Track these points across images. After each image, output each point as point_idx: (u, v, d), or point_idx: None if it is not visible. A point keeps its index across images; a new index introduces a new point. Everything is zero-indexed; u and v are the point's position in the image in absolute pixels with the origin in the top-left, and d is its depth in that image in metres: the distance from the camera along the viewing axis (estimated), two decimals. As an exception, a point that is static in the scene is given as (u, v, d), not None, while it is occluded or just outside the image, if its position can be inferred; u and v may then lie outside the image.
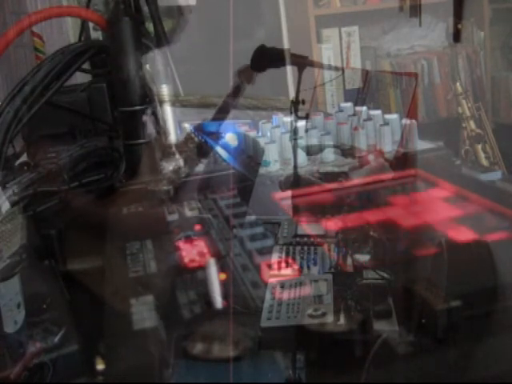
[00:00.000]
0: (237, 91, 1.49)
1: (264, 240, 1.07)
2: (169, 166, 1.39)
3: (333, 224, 1.08)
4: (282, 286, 0.88)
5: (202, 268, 1.00)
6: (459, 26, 1.64)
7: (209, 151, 1.50)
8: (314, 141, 1.39)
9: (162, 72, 1.39)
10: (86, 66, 1.38)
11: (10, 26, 1.57)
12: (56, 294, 0.93)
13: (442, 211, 1.11)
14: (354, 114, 1.50)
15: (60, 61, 1.22)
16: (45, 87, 1.19)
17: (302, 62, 1.37)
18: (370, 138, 1.41)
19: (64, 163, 1.23)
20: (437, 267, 0.79)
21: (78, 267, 1.03)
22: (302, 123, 1.37)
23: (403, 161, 1.35)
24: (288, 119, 1.44)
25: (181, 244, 1.08)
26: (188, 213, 1.23)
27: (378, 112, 1.48)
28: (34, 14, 1.39)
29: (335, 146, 1.40)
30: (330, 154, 1.38)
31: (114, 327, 0.85)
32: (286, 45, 2.95)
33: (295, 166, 1.30)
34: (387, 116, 1.46)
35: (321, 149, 1.38)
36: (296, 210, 1.21)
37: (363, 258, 0.94)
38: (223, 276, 0.98)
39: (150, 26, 1.47)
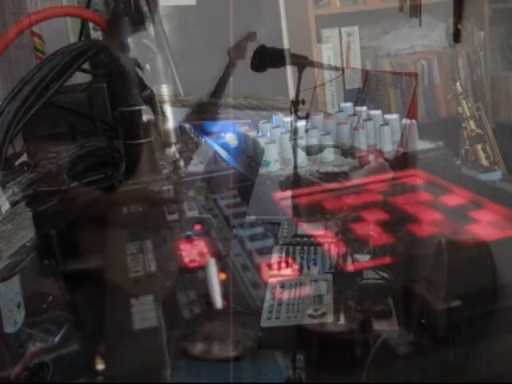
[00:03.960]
0: (231, 69, 1.50)
1: (264, 240, 1.07)
2: (169, 166, 1.39)
3: (333, 224, 1.08)
4: (282, 286, 0.88)
5: (202, 268, 1.00)
6: (459, 26, 1.64)
7: (209, 151, 1.50)
8: (314, 141, 1.39)
9: (162, 72, 1.39)
10: (86, 66, 1.38)
11: (9, 26, 1.57)
12: (56, 294, 0.93)
13: (441, 211, 1.11)
14: (354, 114, 1.50)
15: (60, 61, 1.22)
16: (45, 87, 1.19)
17: (302, 62, 1.37)
18: (370, 137, 1.41)
19: (64, 163, 1.23)
20: (437, 267, 0.79)
21: (78, 267, 1.03)
22: (301, 123, 1.37)
23: (403, 161, 1.35)
24: (288, 119, 1.44)
25: (181, 244, 1.08)
26: (188, 213, 1.23)
27: (377, 112, 1.48)
28: (34, 14, 1.39)
29: (335, 146, 1.40)
30: (330, 154, 1.38)
31: (115, 327, 0.85)
32: (286, 45, 2.95)
33: (295, 166, 1.30)
34: (387, 116, 1.46)
35: (321, 149, 1.38)
36: (296, 210, 1.21)
37: (363, 257, 0.94)
38: (223, 276, 0.98)
39: (149, 26, 1.47)
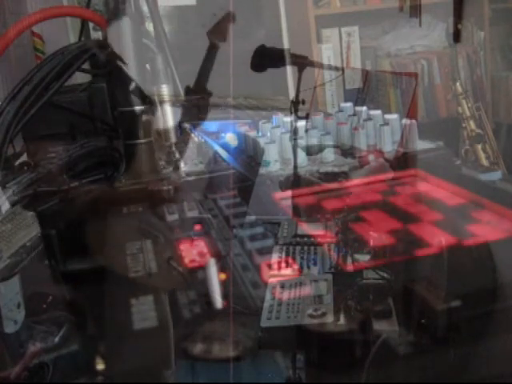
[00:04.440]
0: (213, 52, 1.50)
1: (264, 240, 1.07)
2: (169, 166, 1.39)
3: (333, 223, 1.08)
4: (282, 286, 0.88)
5: (202, 268, 1.00)
6: (459, 26, 1.64)
7: (209, 151, 1.50)
8: (314, 141, 1.39)
9: (162, 72, 1.39)
10: (85, 66, 1.38)
11: (9, 26, 1.57)
12: (56, 294, 0.93)
13: (441, 211, 1.11)
14: (354, 114, 1.50)
15: (60, 61, 1.22)
16: (45, 87, 1.19)
17: (302, 62, 1.37)
18: (370, 138, 1.41)
19: (64, 163, 1.23)
20: (437, 267, 0.79)
21: (79, 267, 1.03)
22: (301, 123, 1.37)
23: (403, 161, 1.35)
24: (288, 119, 1.44)
25: (181, 244, 1.08)
26: (188, 213, 1.23)
27: (377, 112, 1.48)
28: (34, 14, 1.39)
29: (335, 146, 1.40)
30: (330, 154, 1.38)
31: (114, 327, 0.85)
32: (286, 45, 2.95)
33: (295, 166, 1.30)
34: (387, 116, 1.46)
35: (321, 149, 1.38)
36: (296, 210, 1.21)
37: (363, 258, 0.94)
38: (223, 276, 0.98)
39: (149, 26, 1.47)
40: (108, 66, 1.38)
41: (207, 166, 1.42)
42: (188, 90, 1.53)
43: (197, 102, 1.56)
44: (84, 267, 1.02)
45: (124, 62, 1.27)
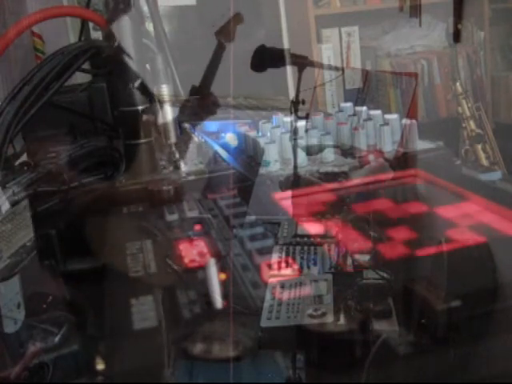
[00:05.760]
0: (220, 52, 1.51)
1: (264, 240, 1.07)
2: (169, 166, 1.39)
3: (333, 224, 1.08)
4: (282, 286, 0.88)
5: (202, 268, 1.00)
6: (459, 26, 1.64)
7: (209, 151, 1.50)
8: (314, 141, 1.39)
9: (162, 72, 1.39)
10: (86, 66, 1.38)
11: (10, 26, 1.57)
12: (56, 294, 0.93)
13: (442, 211, 1.11)
14: (354, 114, 1.50)
15: (60, 61, 1.22)
16: (45, 87, 1.19)
17: (302, 62, 1.37)
18: (370, 138, 1.41)
19: (64, 163, 1.23)
20: (437, 267, 0.79)
21: (79, 267, 1.03)
22: (301, 123, 1.37)
23: (403, 161, 1.35)
24: (288, 119, 1.44)
25: (181, 244, 1.08)
26: (188, 213, 1.23)
27: (377, 112, 1.48)
28: (34, 14, 1.39)
29: (335, 146, 1.40)
30: (330, 154, 1.38)
31: (115, 327, 0.85)
32: (286, 45, 2.95)
33: (295, 166, 1.30)
34: (387, 116, 1.46)
35: (321, 149, 1.38)
36: (296, 210, 1.21)
37: (363, 258, 0.94)
38: (223, 276, 0.98)
39: (150, 26, 1.47)
40: (108, 66, 1.38)
41: (207, 166, 1.42)
42: (194, 90, 1.53)
43: (197, 102, 1.56)
44: (84, 267, 1.02)
45: (124, 62, 1.27)
